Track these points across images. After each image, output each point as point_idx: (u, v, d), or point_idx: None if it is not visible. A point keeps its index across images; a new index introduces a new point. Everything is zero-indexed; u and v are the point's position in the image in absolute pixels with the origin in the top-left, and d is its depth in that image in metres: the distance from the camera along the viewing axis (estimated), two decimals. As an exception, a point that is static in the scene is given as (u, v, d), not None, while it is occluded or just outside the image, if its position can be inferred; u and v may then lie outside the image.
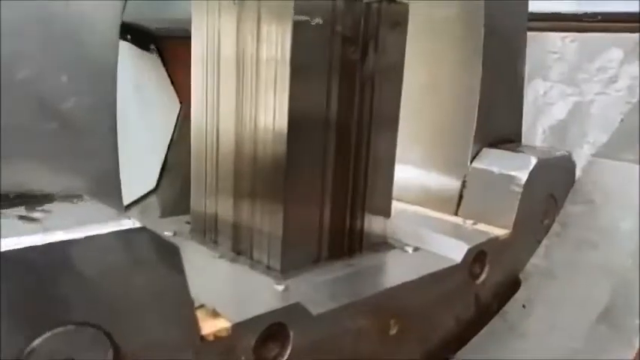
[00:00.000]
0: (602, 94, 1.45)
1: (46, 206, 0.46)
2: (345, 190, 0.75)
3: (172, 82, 3.07)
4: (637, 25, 1.48)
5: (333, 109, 0.70)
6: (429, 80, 0.98)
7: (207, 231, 0.77)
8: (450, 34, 0.97)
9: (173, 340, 0.48)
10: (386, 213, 0.82)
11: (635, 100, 1.32)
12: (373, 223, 0.80)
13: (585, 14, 1.55)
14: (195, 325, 0.50)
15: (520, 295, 0.89)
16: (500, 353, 0.82)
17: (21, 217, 0.42)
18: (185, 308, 0.49)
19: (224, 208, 0.74)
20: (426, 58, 0.98)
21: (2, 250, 0.37)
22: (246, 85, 0.69)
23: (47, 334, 0.40)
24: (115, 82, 0.48)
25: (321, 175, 0.71)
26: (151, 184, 3.04)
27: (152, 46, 3.05)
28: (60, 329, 0.41)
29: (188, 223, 0.81)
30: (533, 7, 1.49)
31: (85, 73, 0.47)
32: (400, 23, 0.75)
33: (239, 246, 0.73)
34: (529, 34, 1.57)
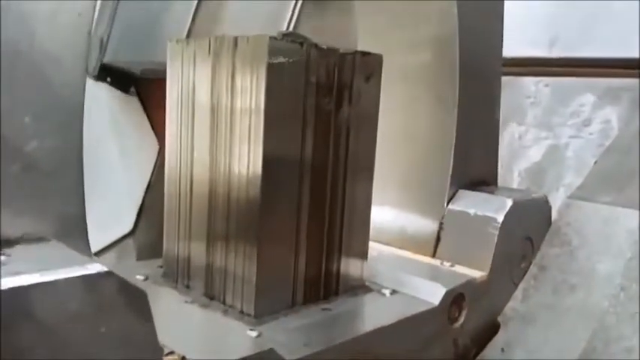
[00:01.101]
0: (575, 137, 1.47)
1: (10, 250, 0.44)
2: (321, 234, 0.74)
3: (152, 124, 3.08)
4: (606, 70, 1.52)
5: (308, 156, 0.70)
6: (407, 123, 0.99)
7: (179, 275, 0.75)
8: (426, 79, 0.98)
9: (139, 389, 0.46)
10: (363, 256, 0.81)
11: (608, 142, 1.35)
12: (350, 267, 0.79)
13: (557, 59, 1.59)
14: (162, 373, 0.48)
15: (499, 339, 0.88)
16: (480, 399, 0.81)
17: (-19, 262, 0.41)
18: (153, 355, 0.47)
19: (197, 253, 0.73)
20: (404, 102, 0.99)
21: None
22: (221, 133, 0.69)
23: (3, 385, 0.38)
24: (81, 123, 0.47)
25: (296, 220, 0.71)
26: (128, 226, 3.01)
27: (132, 89, 3.07)
28: (17, 379, 0.39)
29: (161, 267, 0.79)
30: (506, 52, 1.53)
31: (50, 113, 0.46)
32: (374, 75, 0.76)
33: (212, 291, 0.71)
34: (504, 79, 1.61)
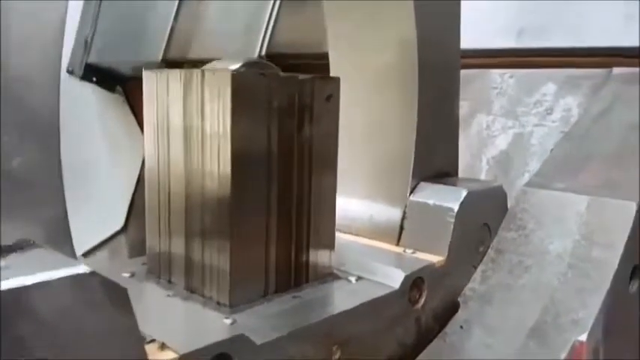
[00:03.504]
0: (539, 125, 1.55)
1: (7, 256, 0.51)
2: (290, 228, 0.81)
3: (138, 122, 3.14)
4: (568, 59, 1.60)
5: (274, 167, 0.78)
6: (371, 121, 1.06)
7: (161, 271, 0.83)
8: (389, 79, 1.05)
9: (123, 372, 0.53)
10: (330, 246, 0.88)
11: (568, 129, 1.43)
12: (319, 256, 0.87)
13: (524, 49, 1.67)
14: (144, 358, 0.55)
15: (459, 317, 0.96)
16: (441, 372, 0.89)
17: (-19, 268, 0.48)
18: (134, 344, 0.54)
19: (177, 250, 0.80)
20: (369, 100, 1.07)
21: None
22: (193, 152, 0.77)
23: (8, 371, 0.45)
24: (57, 138, 0.54)
25: (266, 215, 0.78)
26: (119, 223, 3.07)
27: (118, 88, 3.12)
28: (18, 366, 0.46)
29: (144, 264, 0.87)
30: (475, 43, 1.60)
31: (28, 132, 0.53)
32: (333, 95, 0.83)
33: (192, 284, 0.79)
34: (472, 71, 1.69)
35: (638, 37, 1.42)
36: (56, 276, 0.49)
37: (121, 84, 3.13)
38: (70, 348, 0.49)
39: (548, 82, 1.57)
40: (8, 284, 0.47)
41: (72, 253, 0.54)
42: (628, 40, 1.47)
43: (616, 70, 1.49)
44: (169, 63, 2.57)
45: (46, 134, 0.51)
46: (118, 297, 0.52)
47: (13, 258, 0.52)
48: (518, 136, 1.58)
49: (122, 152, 3.21)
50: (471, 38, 1.50)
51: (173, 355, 0.58)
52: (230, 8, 2.50)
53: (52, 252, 0.54)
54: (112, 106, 3.19)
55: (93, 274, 0.50)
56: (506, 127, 1.60)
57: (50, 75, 0.53)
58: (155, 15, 2.70)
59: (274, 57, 2.24)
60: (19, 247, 0.54)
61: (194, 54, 2.51)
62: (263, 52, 2.28)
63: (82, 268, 0.50)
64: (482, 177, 1.60)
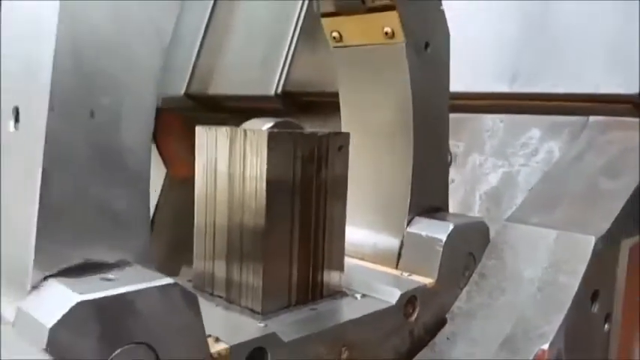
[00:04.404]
0: (525, 165, 1.76)
1: (113, 271, 0.72)
2: (308, 253, 1.02)
3: (159, 150, 3.35)
4: (556, 103, 1.80)
5: (297, 203, 0.98)
6: (374, 166, 1.27)
7: (205, 286, 1.03)
8: (389, 132, 1.25)
9: (193, 355, 0.73)
10: (340, 268, 1.08)
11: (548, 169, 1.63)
12: (331, 276, 1.07)
13: (516, 94, 1.87)
14: (206, 346, 0.76)
15: (446, 330, 1.15)
16: (429, 376, 1.08)
17: (102, 279, 0.69)
18: (201, 336, 0.74)
19: (219, 270, 1.01)
20: (373, 148, 1.27)
21: (99, 296, 0.64)
22: (236, 193, 0.97)
23: (119, 350, 0.66)
24: (148, 190, 0.75)
25: (290, 242, 0.98)
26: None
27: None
28: (127, 346, 0.66)
29: (189, 281, 1.07)
30: (471, 87, 1.81)
31: (130, 186, 0.74)
32: (344, 146, 1.04)
33: (231, 297, 0.99)
34: (467, 115, 1.90)
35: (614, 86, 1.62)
36: (150, 285, 0.69)
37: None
38: (160, 336, 0.69)
39: (533, 127, 1.78)
40: (118, 290, 0.67)
41: (154, 270, 0.71)
42: (606, 89, 1.68)
43: (592, 119, 1.69)
44: (190, 96, 2.80)
45: (141, 185, 0.67)
46: (191, 301, 0.72)
47: (115, 272, 0.72)
48: (507, 174, 1.78)
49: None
50: (470, 82, 1.73)
51: (225, 345, 0.79)
52: (249, 48, 2.72)
53: (142, 268, 0.74)
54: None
55: (175, 284, 0.70)
56: (496, 165, 1.81)
57: (146, 137, 0.68)
58: (180, 51, 2.93)
59: (290, 95, 2.45)
60: (117, 265, 0.75)
61: (214, 90, 2.74)
62: (279, 90, 2.48)
63: (167, 280, 0.70)
64: (476, 209, 1.80)
